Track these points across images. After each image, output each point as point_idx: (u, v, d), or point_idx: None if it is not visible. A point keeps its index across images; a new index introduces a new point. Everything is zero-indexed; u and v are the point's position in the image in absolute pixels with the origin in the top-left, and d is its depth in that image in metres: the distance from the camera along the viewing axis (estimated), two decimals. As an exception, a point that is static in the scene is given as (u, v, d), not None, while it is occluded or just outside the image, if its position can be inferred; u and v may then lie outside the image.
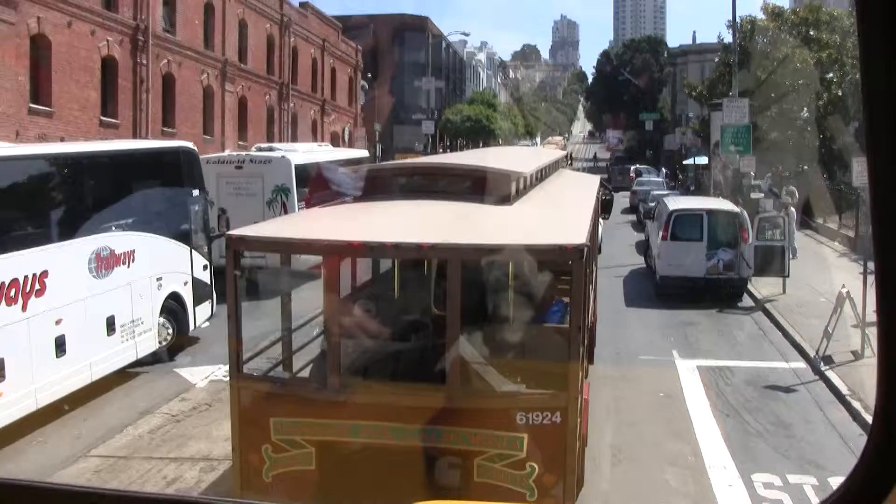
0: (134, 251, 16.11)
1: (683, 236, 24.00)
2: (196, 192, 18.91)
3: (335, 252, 8.38)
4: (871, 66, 1.89)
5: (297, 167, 25.39)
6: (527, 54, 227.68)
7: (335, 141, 59.41)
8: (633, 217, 45.38)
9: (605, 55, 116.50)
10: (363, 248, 8.53)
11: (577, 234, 8.32)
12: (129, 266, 15.96)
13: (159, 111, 37.34)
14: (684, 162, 62.69)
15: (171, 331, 17.69)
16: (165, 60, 37.77)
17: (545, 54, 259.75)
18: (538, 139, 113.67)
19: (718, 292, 23.38)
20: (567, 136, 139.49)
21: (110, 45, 33.67)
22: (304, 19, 54.82)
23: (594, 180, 18.93)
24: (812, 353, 17.61)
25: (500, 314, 9.78)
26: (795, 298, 22.96)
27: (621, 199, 45.17)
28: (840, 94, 39.19)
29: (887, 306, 1.91)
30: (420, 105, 78.32)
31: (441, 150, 79.20)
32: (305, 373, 9.80)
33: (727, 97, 35.72)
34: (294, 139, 50.15)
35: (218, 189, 24.82)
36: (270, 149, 28.05)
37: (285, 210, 24.70)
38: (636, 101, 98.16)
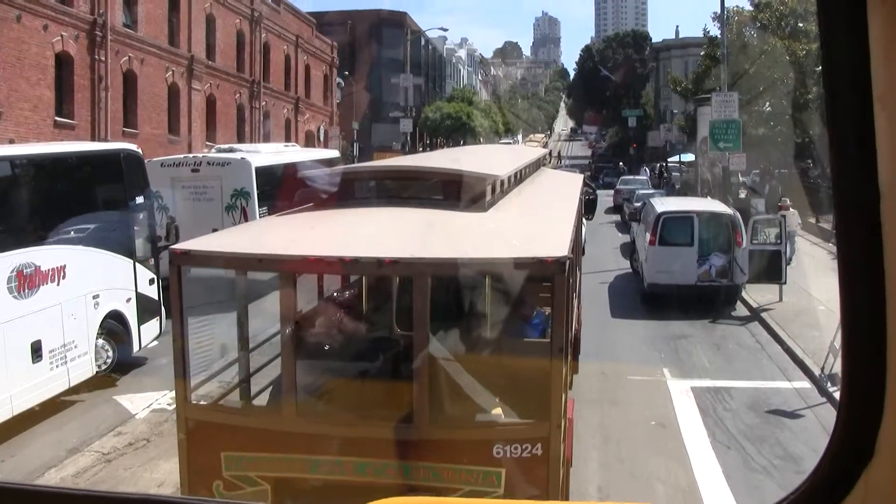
0: (65, 267, 14.48)
1: (673, 240, 22.46)
2: (140, 199, 17.24)
3: (289, 268, 7.61)
4: (832, 67, 1.91)
5: (258, 169, 23.72)
6: (508, 51, 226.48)
7: (310, 140, 57.88)
8: (617, 217, 43.82)
9: (586, 50, 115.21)
10: (319, 265, 7.95)
11: (558, 245, 7.71)
12: (58, 284, 14.34)
13: (120, 111, 35.67)
14: (669, 159, 61.04)
15: (111, 354, 16.05)
16: (126, 57, 36.00)
17: (527, 51, 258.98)
18: (519, 137, 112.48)
19: (710, 300, 21.83)
20: (549, 133, 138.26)
21: (65, 41, 31.85)
22: (276, 15, 53.08)
23: (577, 179, 18.18)
24: (816, 371, 16.06)
25: (473, 331, 9.02)
26: (792, 306, 21.43)
27: (604, 198, 43.74)
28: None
29: (848, 301, 1.94)
30: (398, 102, 76.83)
31: (421, 149, 77.95)
32: (265, 399, 9.02)
33: (715, 91, 34.11)
34: (267, 139, 48.64)
35: (173, 194, 23.27)
36: (231, 150, 26.32)
37: (245, 216, 23.07)
38: (619, 98, 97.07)
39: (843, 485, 1.97)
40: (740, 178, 35.11)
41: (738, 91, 34.69)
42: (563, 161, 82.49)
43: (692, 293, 21.97)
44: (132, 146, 18.03)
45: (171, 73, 39.88)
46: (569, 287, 7.96)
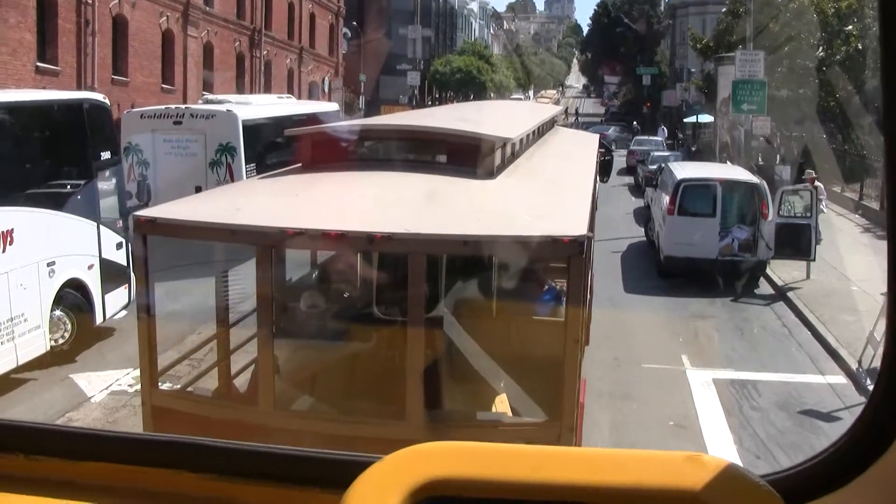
0: (11, 231, 12.84)
1: (693, 210, 20.69)
2: (107, 155, 15.56)
3: (266, 242, 6.84)
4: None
5: (246, 123, 21.93)
6: (521, 5, 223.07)
7: (314, 92, 55.99)
8: (630, 179, 41.89)
9: (602, 5, 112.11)
10: (301, 238, 7.02)
11: (575, 222, 6.93)
12: (3, 250, 12.67)
13: (109, 57, 33.90)
14: (685, 120, 58.74)
15: (69, 327, 14.45)
16: (116, 1, 34.01)
17: (540, 6, 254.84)
18: (531, 93, 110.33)
19: (732, 276, 20.09)
20: (561, 89, 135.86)
21: (48, -19, 29.96)
22: (280, -41, 50.95)
23: (592, 140, 17.12)
24: (853, 364, 14.39)
25: (474, 314, 8.14)
26: (821, 285, 19.66)
27: (616, 159, 41.76)
28: (860, 47, 35.36)
29: None
30: (407, 55, 74.85)
31: (430, 103, 76.14)
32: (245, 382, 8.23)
33: (740, 49, 31.96)
34: (268, 89, 46.96)
35: (154, 148, 21.64)
36: (220, 101, 24.49)
37: (231, 174, 21.36)
38: (633, 55, 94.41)
39: (884, 436, 1.84)
40: (761, 142, 33.09)
41: (762, 49, 32.60)
42: (579, 119, 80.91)
43: (713, 268, 20.23)
44: (98, 95, 16.33)
45: (165, 18, 38.03)
46: (586, 269, 7.24)
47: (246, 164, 21.68)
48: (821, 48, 36.27)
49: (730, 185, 20.92)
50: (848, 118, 34.15)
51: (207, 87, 41.36)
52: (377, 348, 7.58)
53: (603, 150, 19.57)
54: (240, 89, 43.96)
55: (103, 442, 2.37)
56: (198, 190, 21.08)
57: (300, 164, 9.14)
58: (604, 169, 18.96)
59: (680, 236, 20.47)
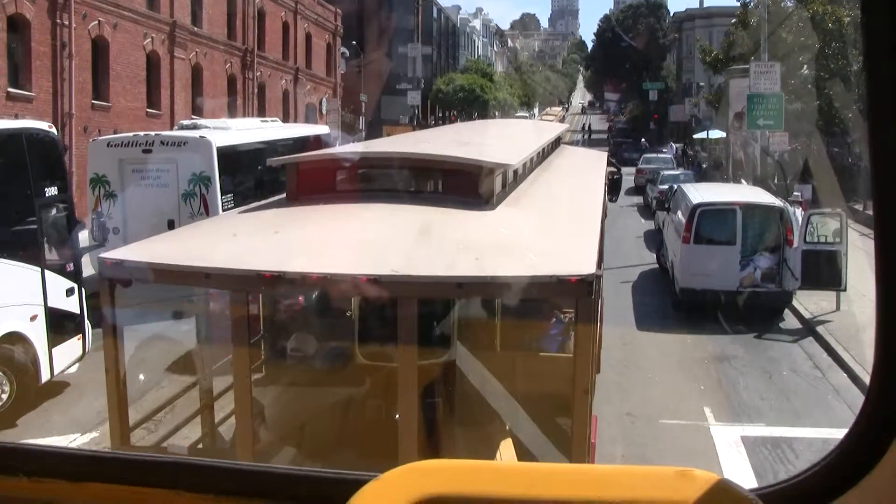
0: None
1: (711, 237, 18.90)
2: (53, 191, 13.90)
3: (241, 286, 6.60)
4: (873, 57, 1.84)
5: (223, 150, 20.17)
6: (525, 23, 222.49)
7: (311, 113, 54.41)
8: (639, 199, 40.08)
9: (605, 20, 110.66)
10: (279, 282, 6.46)
11: (583, 258, 6.49)
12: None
13: (89, 81, 32.15)
14: (695, 136, 56.79)
15: (6, 387, 12.74)
16: (95, 22, 32.39)
17: (545, 23, 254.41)
18: (535, 110, 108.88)
19: (755, 310, 18.27)
20: (566, 106, 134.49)
21: (19, 2, 28.23)
22: (272, -22, 49.34)
23: (600, 159, 15.98)
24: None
25: (475, 354, 7.62)
26: (854, 318, 17.76)
27: (625, 177, 39.96)
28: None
29: (884, 267, 1.87)
30: (413, 75, 73.49)
31: (433, 122, 74.73)
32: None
33: (754, 60, 30.11)
34: (262, 112, 45.38)
35: (122, 179, 19.90)
36: (195, 126, 22.75)
37: (206, 206, 19.61)
38: (639, 70, 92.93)
39: (875, 449, 1.89)
40: (774, 158, 31.25)
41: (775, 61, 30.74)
42: (592, 136, 79.39)
43: (733, 301, 18.43)
44: (43, 124, 14.62)
45: (149, 40, 36.31)
46: (595, 310, 6.89)
47: (223, 195, 19.95)
48: (838, 57, 34.44)
49: (751, 210, 19.06)
50: (864, 132, 32.22)
51: (197, 110, 39.79)
52: (367, 396, 7.38)
53: (612, 168, 17.99)
54: (232, 112, 42.37)
55: (104, 463, 2.43)
56: (170, 224, 19.47)
57: (284, 197, 8.60)
58: (613, 188, 17.59)
59: (697, 266, 18.67)
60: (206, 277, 6.58)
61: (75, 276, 14.27)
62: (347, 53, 63.78)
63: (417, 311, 6.21)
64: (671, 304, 19.69)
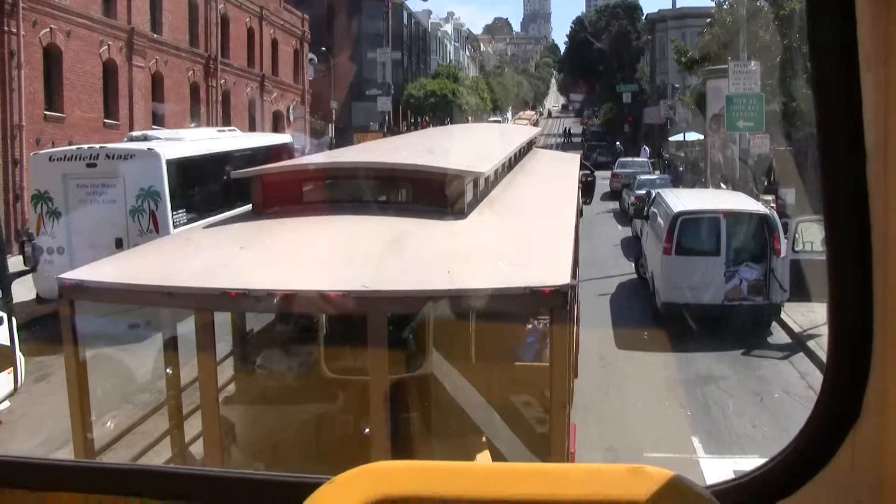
0: None
1: (693, 248, 17.83)
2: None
3: (205, 305, 6.21)
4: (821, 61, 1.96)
5: (173, 163, 18.98)
6: (498, 27, 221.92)
7: (279, 121, 53.15)
8: (615, 204, 39.02)
9: (578, 22, 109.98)
10: (245, 300, 6.24)
11: (557, 268, 6.26)
12: None
13: (40, 91, 30.78)
14: (671, 138, 55.76)
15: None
16: (47, 29, 30.99)
17: (517, 27, 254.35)
18: (509, 114, 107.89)
19: (742, 324, 17.20)
20: (540, 110, 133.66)
21: (-40, 10, 26.91)
22: (236, -17, 47.91)
23: (573, 162, 15.91)
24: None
25: (449, 366, 7.36)
26: (846, 331, 16.71)
27: (600, 181, 38.86)
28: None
29: (835, 261, 2.00)
30: (382, 80, 72.26)
31: (405, 128, 73.63)
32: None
33: (732, 60, 29.02)
34: (227, 120, 44.09)
35: (66, 195, 18.66)
36: (145, 138, 21.47)
37: (154, 223, 18.41)
38: (612, 72, 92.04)
39: (830, 445, 2.00)
40: (747, 162, 30.29)
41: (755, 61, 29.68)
42: (572, 139, 78.71)
43: (718, 315, 17.37)
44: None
45: (106, 48, 34.88)
46: (570, 320, 6.69)
47: (174, 211, 18.75)
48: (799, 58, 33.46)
49: (735, 217, 17.96)
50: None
51: (158, 119, 38.53)
52: (338, 411, 7.26)
53: (585, 171, 17.45)
54: (195, 121, 41.11)
55: (69, 472, 2.45)
56: (118, 242, 18.34)
57: (250, 210, 8.43)
58: (587, 191, 16.97)
59: (679, 279, 17.58)
60: (170, 296, 6.45)
61: (4, 303, 13.09)
62: (316, 60, 62.44)
63: (388, 326, 6.14)
64: (652, 318, 18.57)
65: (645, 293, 20.53)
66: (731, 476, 10.06)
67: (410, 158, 9.24)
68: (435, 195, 7.84)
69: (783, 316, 17.95)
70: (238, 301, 6.40)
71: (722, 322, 17.27)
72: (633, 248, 26.65)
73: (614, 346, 17.07)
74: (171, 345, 7.77)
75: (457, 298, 6.26)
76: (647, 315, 18.94)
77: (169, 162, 18.78)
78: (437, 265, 6.60)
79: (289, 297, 6.22)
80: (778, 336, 17.68)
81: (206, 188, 20.73)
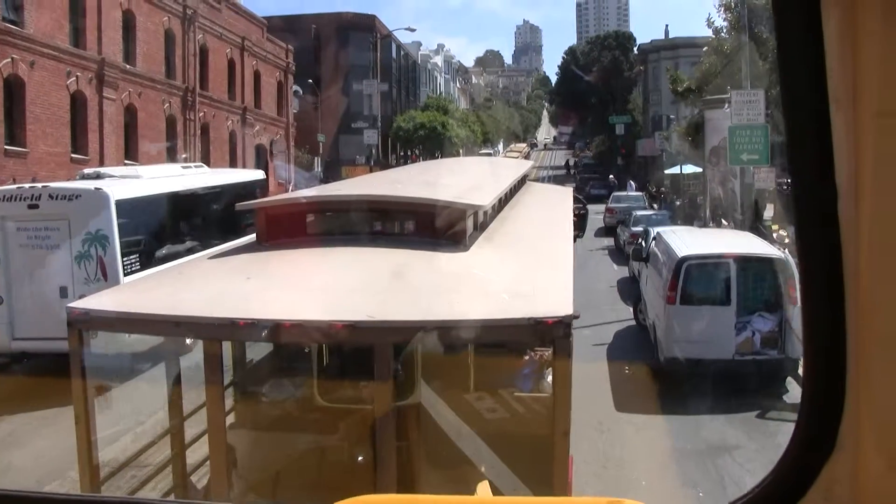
0: None
1: (701, 297, 16.06)
2: None
3: (214, 335, 6.47)
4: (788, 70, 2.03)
5: (125, 203, 17.19)
6: (489, 60, 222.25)
7: (262, 155, 51.50)
8: (610, 241, 37.27)
9: (570, 53, 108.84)
10: (253, 329, 6.45)
11: (559, 299, 6.44)
12: None
13: (0, 125, 29.04)
14: (666, 171, 54.05)
15: None
16: (8, 59, 29.49)
17: (508, 59, 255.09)
18: (500, 147, 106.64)
19: (755, 381, 15.44)
20: (532, 143, 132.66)
21: (-88, 39, 25.26)
22: (216, 13, 46.30)
23: (567, 195, 16.08)
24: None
25: (449, 397, 7.37)
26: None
27: (593, 215, 37.14)
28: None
29: (808, 296, 2.09)
30: (368, 112, 70.89)
31: (394, 162, 72.21)
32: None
33: (732, 90, 27.36)
34: (206, 154, 42.95)
35: (5, 239, 16.92)
36: (97, 176, 19.67)
37: (103, 270, 16.62)
38: (605, 103, 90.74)
39: (805, 478, 2.05)
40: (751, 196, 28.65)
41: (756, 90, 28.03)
42: (577, 174, 77.99)
43: (728, 371, 15.59)
44: None
45: (74, 79, 33.35)
46: (571, 351, 6.42)
47: (125, 257, 16.95)
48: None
49: (747, 262, 16.13)
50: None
51: (131, 154, 36.99)
52: (343, 441, 7.31)
53: (578, 205, 17.43)
54: (171, 156, 39.51)
55: None
56: (62, 292, 16.63)
57: (255, 240, 8.75)
58: (578, 224, 16.38)
59: (684, 331, 15.78)
60: (178, 326, 6.58)
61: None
62: (301, 92, 60.94)
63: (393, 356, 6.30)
64: (654, 375, 16.74)
65: (645, 343, 18.71)
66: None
67: (412, 192, 9.35)
68: (436, 228, 8.00)
69: (800, 371, 16.13)
70: (246, 330, 6.50)
71: (733, 379, 15.46)
72: (629, 289, 24.89)
73: (613, 408, 15.23)
74: (173, 376, 7.80)
75: (460, 329, 6.33)
76: (649, 372, 17.11)
77: (119, 203, 17.00)
78: (440, 296, 6.79)
79: (296, 327, 6.35)
80: (795, 394, 15.82)
81: (164, 231, 18.96)
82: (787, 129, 2.01)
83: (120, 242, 16.83)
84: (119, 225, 16.89)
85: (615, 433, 14.05)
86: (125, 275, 16.77)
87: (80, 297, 17.15)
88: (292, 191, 34.58)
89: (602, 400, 15.38)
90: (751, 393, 15.22)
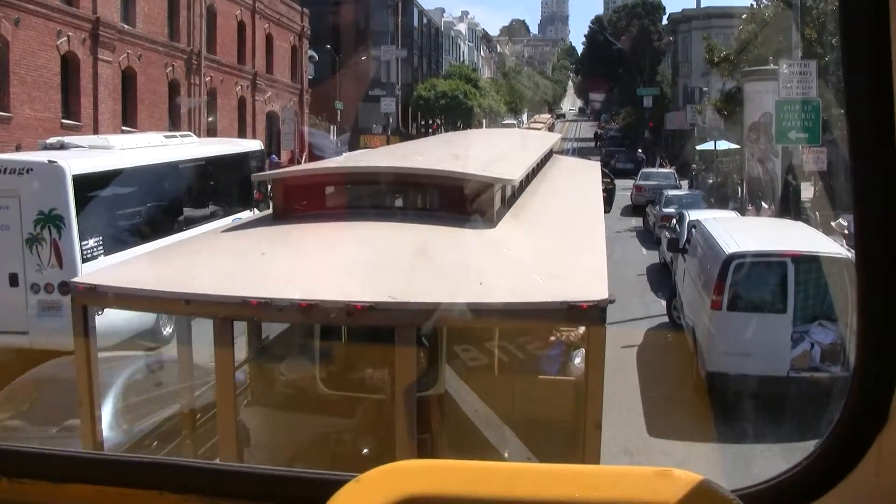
0: None
1: (753, 302, 13.68)
2: None
3: (225, 314, 6.11)
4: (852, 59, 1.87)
5: (84, 179, 15.01)
6: (515, 29, 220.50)
7: (273, 122, 49.38)
8: (637, 222, 34.91)
9: (597, 22, 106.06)
10: (267, 309, 6.06)
11: (594, 282, 6.02)
12: None
13: (-20, 88, 27.09)
14: (697, 147, 51.27)
15: None
16: (-10, 19, 27.31)
17: (534, 29, 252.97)
18: (524, 117, 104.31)
19: (813, 402, 13.10)
20: (555, 114, 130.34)
21: None
22: (225, -28, 44.13)
23: (595, 170, 15.80)
24: None
25: (473, 381, 7.23)
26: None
27: (619, 191, 34.73)
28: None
29: (864, 262, 1.94)
30: (386, 80, 68.92)
31: (414, 132, 70.22)
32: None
33: (784, 60, 24.70)
34: (213, 121, 40.50)
35: (-50, 219, 14.83)
36: (62, 146, 17.41)
37: (57, 254, 14.50)
38: (632, 74, 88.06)
39: (855, 451, 1.96)
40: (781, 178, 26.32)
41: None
42: (603, 145, 76.30)
43: (782, 390, 13.27)
44: None
45: (65, 39, 31.29)
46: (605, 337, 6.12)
47: (84, 241, 14.78)
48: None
49: (807, 262, 13.72)
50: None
51: (129, 121, 34.97)
52: (361, 428, 7.04)
53: (606, 179, 17.10)
54: (174, 122, 37.54)
55: (87, 464, 2.48)
56: (12, 279, 14.52)
57: (270, 214, 8.52)
58: (606, 200, 15.35)
59: (732, 342, 13.44)
60: (187, 304, 6.29)
61: None
62: (316, 57, 58.79)
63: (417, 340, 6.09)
64: (694, 392, 14.42)
65: (682, 347, 16.38)
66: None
67: (437, 164, 8.88)
68: (463, 202, 7.70)
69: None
70: (259, 310, 6.22)
71: (787, 400, 13.15)
72: (661, 278, 22.66)
73: (645, 431, 12.94)
74: (185, 354, 7.73)
75: (489, 312, 5.98)
76: (688, 385, 14.77)
77: (79, 178, 14.81)
78: (467, 276, 6.50)
79: (312, 308, 6.00)
80: (858, 416, 13.57)
81: (135, 211, 16.75)
82: (846, 95, 1.82)
83: (78, 224, 14.66)
84: (78, 203, 14.73)
85: (645, 461, 11.81)
86: (84, 261, 14.65)
87: (32, 285, 15.26)
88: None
89: (633, 420, 13.15)
90: (808, 416, 12.92)
